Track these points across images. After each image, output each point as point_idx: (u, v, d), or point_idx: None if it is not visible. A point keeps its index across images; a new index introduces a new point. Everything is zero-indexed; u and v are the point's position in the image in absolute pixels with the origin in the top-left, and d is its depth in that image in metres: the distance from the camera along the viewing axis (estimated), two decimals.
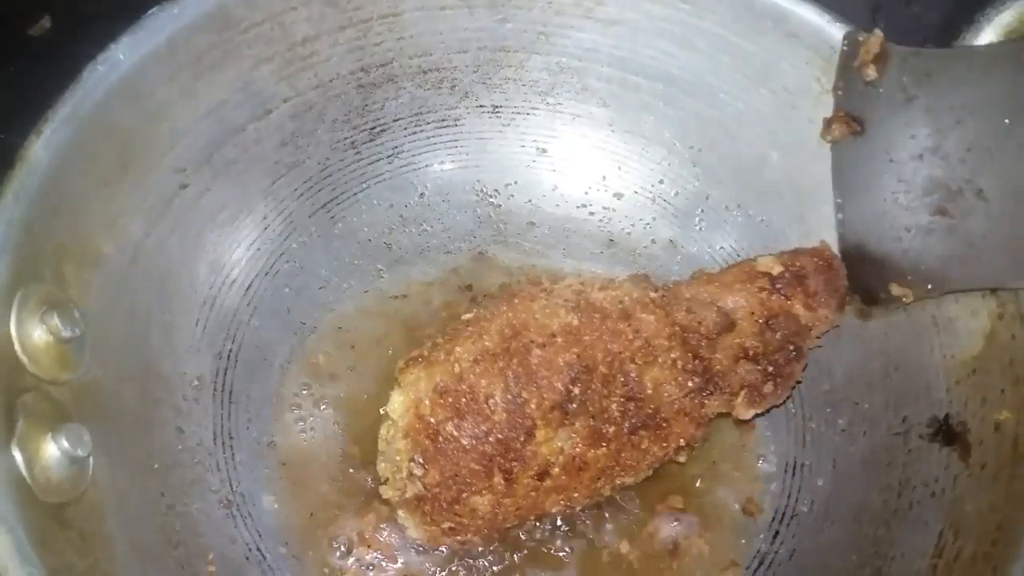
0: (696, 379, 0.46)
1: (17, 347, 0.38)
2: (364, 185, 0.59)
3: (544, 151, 0.61)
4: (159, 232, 0.48)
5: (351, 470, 0.51)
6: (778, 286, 0.49)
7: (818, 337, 0.51)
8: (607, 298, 0.46)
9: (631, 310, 0.46)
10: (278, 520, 0.48)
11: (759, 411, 0.49)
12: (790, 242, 0.56)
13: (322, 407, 0.53)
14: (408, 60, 0.57)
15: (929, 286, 0.48)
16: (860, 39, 0.49)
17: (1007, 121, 0.44)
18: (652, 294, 0.47)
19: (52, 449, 0.37)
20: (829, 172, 0.53)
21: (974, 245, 0.46)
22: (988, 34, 0.49)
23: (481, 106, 0.60)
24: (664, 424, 0.46)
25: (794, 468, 0.51)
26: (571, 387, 0.43)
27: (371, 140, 0.58)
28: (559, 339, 0.44)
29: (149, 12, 0.47)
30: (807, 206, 0.55)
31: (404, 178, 0.60)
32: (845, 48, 0.50)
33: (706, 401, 0.46)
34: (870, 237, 0.50)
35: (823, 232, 0.53)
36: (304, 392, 0.53)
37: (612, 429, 0.45)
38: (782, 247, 0.56)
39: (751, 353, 0.47)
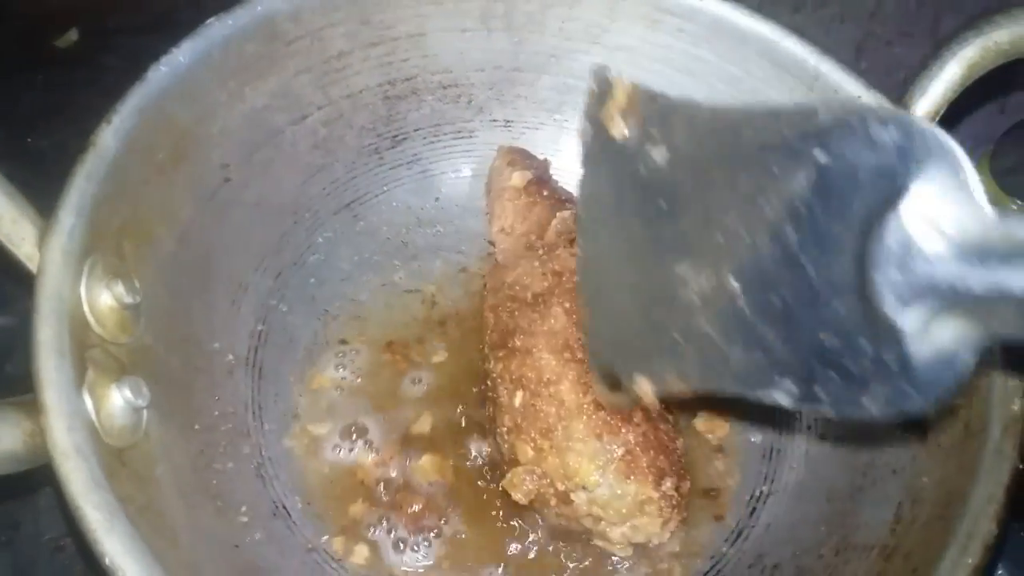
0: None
1: (86, 308, 0.42)
2: (385, 188, 0.64)
3: (550, 164, 0.67)
4: (204, 220, 0.53)
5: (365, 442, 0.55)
6: (530, 191, 0.58)
7: None
8: None
9: None
10: (302, 483, 0.52)
11: None
12: None
13: (341, 386, 0.57)
14: (430, 76, 0.63)
15: (673, 383, 0.41)
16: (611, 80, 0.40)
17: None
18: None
19: (116, 398, 0.41)
20: None
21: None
22: (953, 67, 0.54)
23: (494, 120, 0.66)
24: None
25: (771, 453, 0.56)
26: None
27: (393, 147, 0.64)
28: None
29: (207, 22, 0.52)
30: None
31: (422, 183, 0.65)
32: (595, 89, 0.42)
33: None
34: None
35: None
36: (325, 372, 0.58)
37: None
38: None
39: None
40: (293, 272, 0.59)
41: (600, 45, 0.63)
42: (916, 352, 0.31)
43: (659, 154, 0.38)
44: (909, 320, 0.31)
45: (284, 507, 0.50)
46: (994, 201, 0.73)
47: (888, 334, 0.31)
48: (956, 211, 0.30)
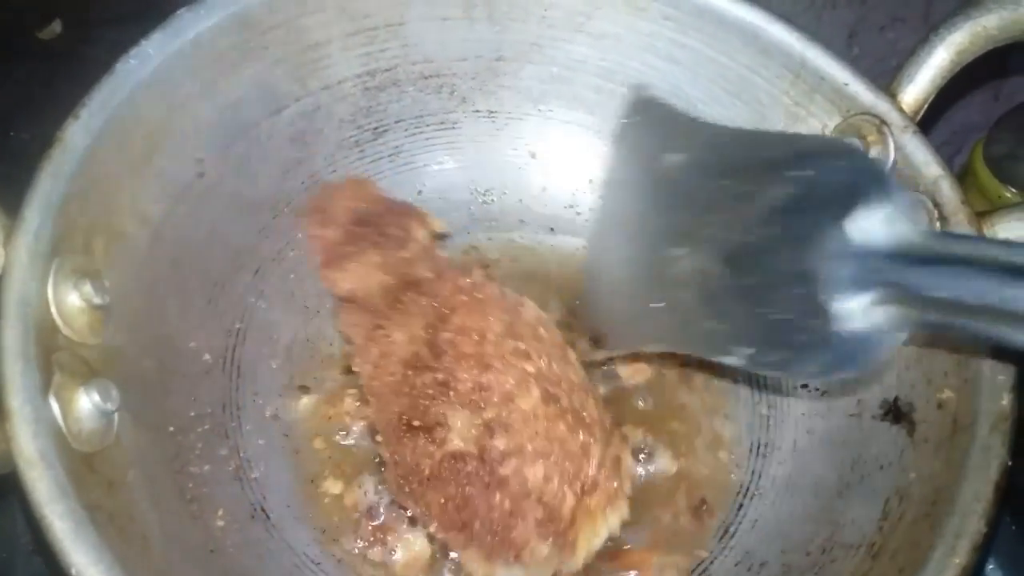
0: None
1: (53, 309, 0.41)
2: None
3: (534, 155, 0.66)
4: (177, 216, 0.52)
5: (349, 442, 0.54)
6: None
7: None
8: None
9: None
10: (280, 485, 0.52)
11: None
12: None
13: (324, 384, 0.56)
14: (411, 66, 0.62)
15: (649, 343, 0.51)
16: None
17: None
18: None
19: (84, 401, 0.40)
20: None
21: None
22: (941, 53, 0.53)
23: (477, 111, 0.65)
24: None
25: (758, 448, 0.55)
26: None
27: (374, 140, 0.63)
28: None
29: (177, 12, 0.51)
30: None
31: (404, 176, 0.64)
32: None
33: None
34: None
35: None
36: (307, 370, 0.57)
37: None
38: None
39: None
40: (272, 268, 0.58)
41: (584, 33, 0.61)
42: (846, 332, 0.39)
43: (678, 158, 0.49)
44: (843, 305, 0.39)
45: (263, 509, 0.50)
46: (988, 188, 0.74)
47: (824, 315, 0.40)
48: (891, 228, 0.39)
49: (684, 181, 0.48)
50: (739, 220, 0.44)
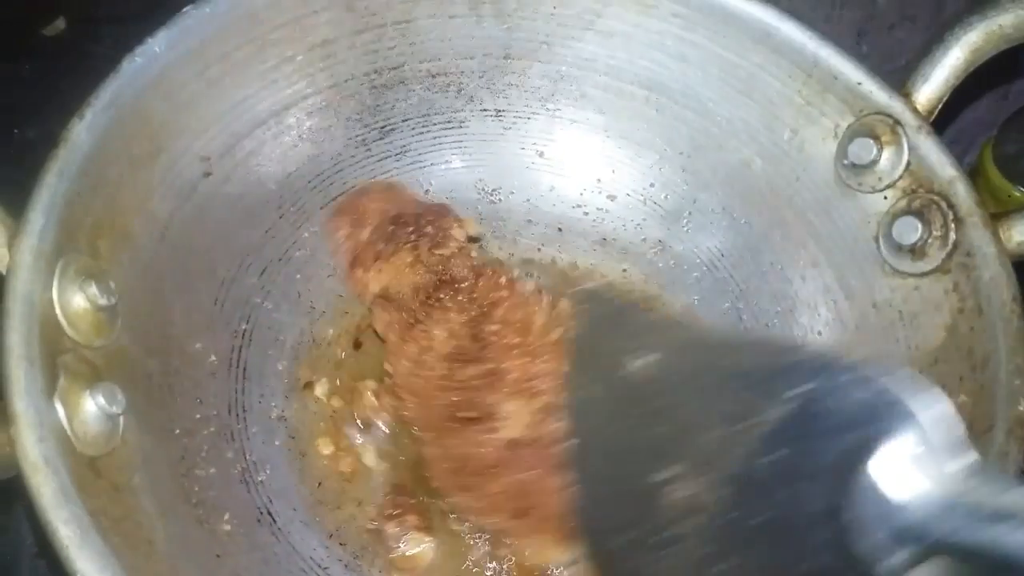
0: None
1: (58, 311, 0.41)
2: (373, 180, 0.62)
3: (542, 154, 0.65)
4: (183, 216, 0.52)
5: (355, 444, 0.54)
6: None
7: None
8: None
9: None
10: (287, 488, 0.51)
11: None
12: (771, 243, 0.60)
13: (329, 386, 0.56)
14: (418, 64, 0.61)
15: None
16: None
17: None
18: None
19: (90, 405, 0.40)
20: (807, 177, 0.58)
21: None
22: (956, 52, 0.53)
23: (485, 110, 0.64)
24: None
25: None
26: None
27: (381, 138, 0.62)
28: None
29: (183, 10, 0.50)
30: (787, 209, 0.58)
31: (411, 175, 0.63)
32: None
33: None
34: None
35: (801, 232, 0.57)
36: (312, 372, 0.56)
37: None
38: (763, 248, 0.60)
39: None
40: (278, 268, 0.58)
41: (593, 31, 0.61)
42: None
43: (645, 361, 0.40)
44: (887, 566, 0.30)
45: (269, 513, 0.49)
46: (997, 188, 0.73)
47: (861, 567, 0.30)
48: (932, 468, 0.30)
49: (657, 390, 0.40)
50: (734, 441, 0.35)
